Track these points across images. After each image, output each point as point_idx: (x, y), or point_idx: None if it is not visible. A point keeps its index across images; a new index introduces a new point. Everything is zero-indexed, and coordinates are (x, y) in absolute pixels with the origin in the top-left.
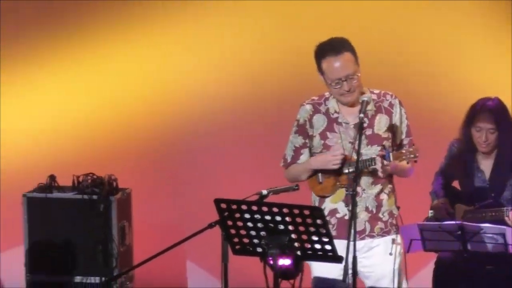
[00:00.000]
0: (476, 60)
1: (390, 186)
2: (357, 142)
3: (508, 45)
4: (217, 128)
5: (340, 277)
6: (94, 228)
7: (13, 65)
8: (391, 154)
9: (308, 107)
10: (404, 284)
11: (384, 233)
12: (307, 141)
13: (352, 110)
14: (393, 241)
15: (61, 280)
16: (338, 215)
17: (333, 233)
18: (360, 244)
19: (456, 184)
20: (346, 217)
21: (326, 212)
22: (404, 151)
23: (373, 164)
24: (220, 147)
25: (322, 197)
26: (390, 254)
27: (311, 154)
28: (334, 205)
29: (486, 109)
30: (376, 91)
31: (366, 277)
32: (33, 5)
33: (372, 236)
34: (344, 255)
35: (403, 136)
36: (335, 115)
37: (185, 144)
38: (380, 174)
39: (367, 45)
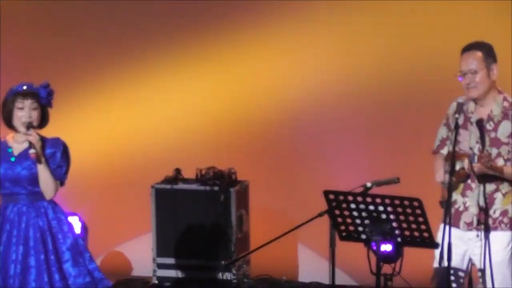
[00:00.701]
0: None
1: (509, 187)
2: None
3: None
4: (326, 126)
5: (460, 266)
6: (215, 216)
7: (144, 70)
8: (475, 156)
9: (455, 104)
10: (508, 276)
11: (491, 228)
12: (449, 134)
13: (484, 112)
14: (500, 236)
15: (185, 263)
16: (456, 206)
17: (452, 220)
18: (470, 234)
19: None
20: (460, 209)
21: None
22: (482, 155)
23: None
24: (328, 143)
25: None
26: (477, 236)
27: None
28: (455, 196)
29: None
30: (510, 99)
31: (475, 264)
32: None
33: (478, 229)
34: (455, 241)
35: None
36: (470, 114)
37: (297, 141)
38: (468, 172)
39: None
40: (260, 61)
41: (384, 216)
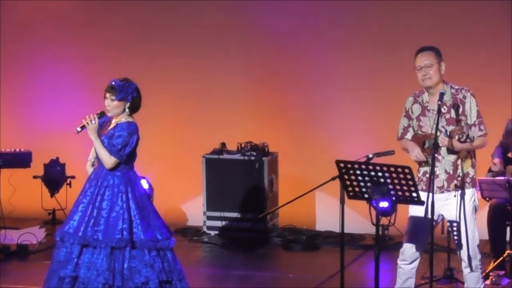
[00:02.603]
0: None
1: (465, 154)
2: (440, 122)
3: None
4: (339, 110)
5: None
6: (251, 180)
7: (198, 68)
8: (448, 131)
9: (411, 98)
10: (472, 223)
11: (457, 188)
12: (410, 122)
13: (435, 100)
14: (465, 193)
15: (228, 215)
16: (427, 175)
17: (424, 187)
18: (441, 196)
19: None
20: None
21: (421, 173)
22: (455, 130)
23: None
24: (340, 123)
25: (419, 164)
26: (454, 196)
27: (415, 132)
28: (425, 168)
29: None
30: (456, 87)
31: (446, 217)
32: None
33: (448, 191)
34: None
35: (474, 118)
36: (426, 104)
37: (316, 121)
38: (440, 144)
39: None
40: (285, 59)
41: (382, 180)
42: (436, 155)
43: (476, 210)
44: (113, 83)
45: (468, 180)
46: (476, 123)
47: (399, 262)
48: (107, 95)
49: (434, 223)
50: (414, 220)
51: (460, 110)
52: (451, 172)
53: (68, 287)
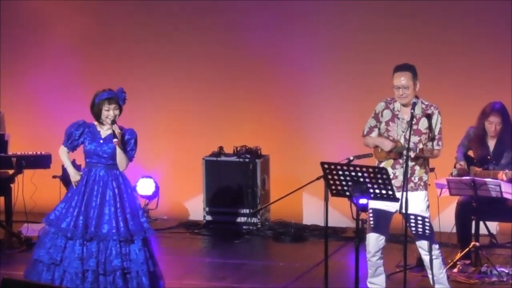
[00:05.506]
0: (477, 60)
1: (421, 161)
2: (407, 131)
3: (508, 44)
4: (326, 118)
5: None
6: (246, 179)
7: (196, 78)
8: (417, 148)
9: (382, 104)
10: (428, 218)
11: (413, 190)
12: (377, 124)
13: (407, 111)
14: (419, 194)
15: (225, 210)
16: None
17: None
18: (399, 194)
19: (470, 153)
20: (391, 177)
21: None
22: (424, 149)
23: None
24: (326, 130)
25: (379, 161)
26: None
27: (378, 133)
28: (386, 167)
29: (495, 110)
30: (426, 102)
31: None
32: None
33: (404, 190)
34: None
35: (436, 134)
36: (397, 112)
37: (304, 128)
38: (411, 156)
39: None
40: (276, 72)
41: (361, 179)
42: (398, 159)
43: (428, 208)
44: (109, 93)
45: (422, 183)
46: (437, 138)
47: (367, 255)
48: (111, 106)
49: (392, 215)
50: (375, 212)
51: (426, 124)
52: (409, 175)
53: (119, 279)
